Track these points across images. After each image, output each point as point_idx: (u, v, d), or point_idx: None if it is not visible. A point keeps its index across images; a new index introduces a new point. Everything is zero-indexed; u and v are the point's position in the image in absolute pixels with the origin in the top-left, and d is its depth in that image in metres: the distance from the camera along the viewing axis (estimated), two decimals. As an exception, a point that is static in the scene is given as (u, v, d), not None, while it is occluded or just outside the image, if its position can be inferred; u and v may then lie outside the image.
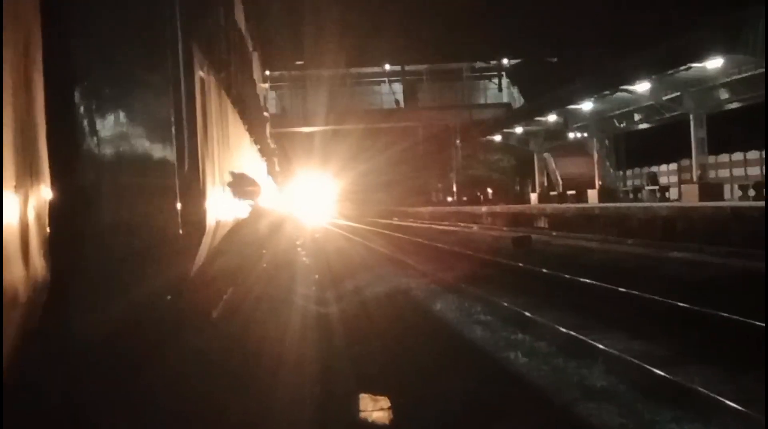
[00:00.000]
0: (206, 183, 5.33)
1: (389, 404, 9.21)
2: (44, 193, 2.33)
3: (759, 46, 35.08)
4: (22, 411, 2.39)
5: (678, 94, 45.49)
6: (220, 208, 6.35)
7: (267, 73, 48.50)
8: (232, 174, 8.12)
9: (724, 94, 44.62)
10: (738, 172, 52.06)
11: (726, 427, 8.22)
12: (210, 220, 5.34)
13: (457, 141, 76.10)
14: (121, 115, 3.64)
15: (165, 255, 4.19)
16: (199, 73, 5.23)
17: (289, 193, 53.26)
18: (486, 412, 9.05)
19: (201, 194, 5.04)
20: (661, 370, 10.10)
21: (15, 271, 2.02)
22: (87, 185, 2.79)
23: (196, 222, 4.78)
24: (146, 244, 3.78)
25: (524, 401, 9.67)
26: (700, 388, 9.25)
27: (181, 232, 4.39)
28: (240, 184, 9.63)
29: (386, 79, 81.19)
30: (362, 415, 8.91)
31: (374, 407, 9.22)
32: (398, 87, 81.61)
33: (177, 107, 4.54)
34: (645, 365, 10.49)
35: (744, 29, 35.67)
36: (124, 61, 3.79)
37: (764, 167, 36.50)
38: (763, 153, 48.72)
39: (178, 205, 4.43)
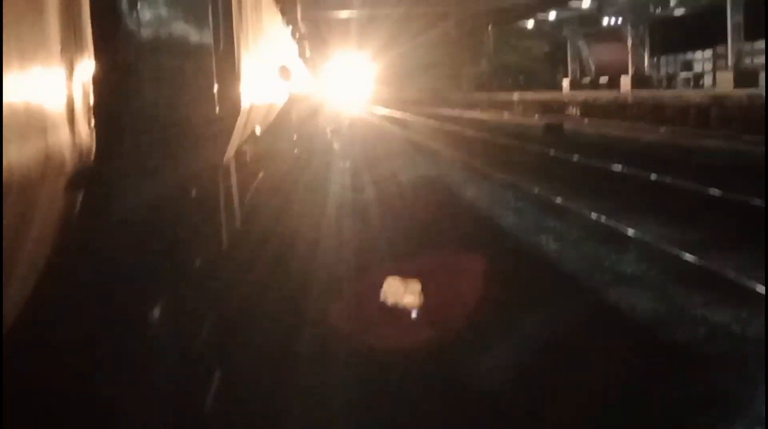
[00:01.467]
0: (241, 65, 5.34)
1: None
2: (88, 66, 2.35)
3: None
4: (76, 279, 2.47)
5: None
6: (255, 91, 6.38)
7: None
8: (266, 57, 8.10)
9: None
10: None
11: (755, 309, 8.32)
12: (245, 103, 5.37)
13: (489, 26, 75.33)
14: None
15: (202, 135, 4.23)
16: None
17: (324, 77, 53.04)
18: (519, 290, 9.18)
19: (236, 76, 5.05)
20: (693, 255, 10.26)
21: (62, 137, 2.05)
22: (128, 64, 2.81)
23: (231, 103, 4.80)
24: (184, 124, 3.81)
25: (555, 286, 9.79)
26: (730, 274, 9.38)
27: (217, 112, 4.42)
28: (274, 68, 9.61)
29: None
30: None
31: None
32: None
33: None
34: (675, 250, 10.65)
35: None
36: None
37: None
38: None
39: (215, 87, 4.45)
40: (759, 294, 8.75)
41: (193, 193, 4.35)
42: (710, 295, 8.84)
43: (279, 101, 10.35)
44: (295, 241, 10.27)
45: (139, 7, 3.12)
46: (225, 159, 5.07)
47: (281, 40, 11.34)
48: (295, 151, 14.75)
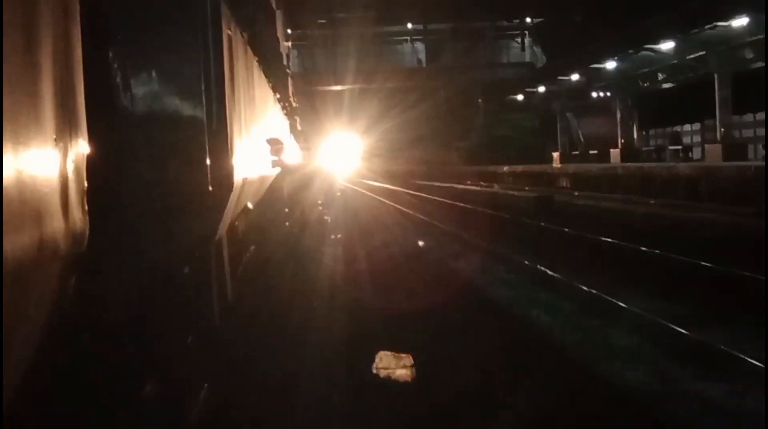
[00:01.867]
0: (233, 140, 5.36)
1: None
2: (82, 148, 2.35)
3: None
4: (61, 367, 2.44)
5: (703, 53, 45.45)
6: (247, 166, 6.39)
7: (289, 31, 48.49)
8: (258, 131, 8.15)
9: (749, 54, 44.44)
10: (762, 131, 51.53)
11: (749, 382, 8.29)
12: (237, 177, 5.38)
13: (479, 100, 76.08)
14: (153, 72, 3.67)
15: (194, 211, 4.23)
16: (227, 31, 5.25)
17: (317, 150, 53.23)
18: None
19: (228, 151, 5.07)
20: (684, 329, 10.23)
21: (56, 224, 2.05)
22: (122, 141, 2.82)
23: (224, 178, 4.81)
24: (177, 199, 3.81)
25: (548, 359, 9.76)
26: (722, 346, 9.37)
27: (210, 188, 4.42)
28: (265, 142, 9.66)
29: (408, 38, 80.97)
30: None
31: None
32: (421, 46, 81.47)
33: (206, 65, 4.56)
34: (666, 323, 10.69)
35: None
36: (156, 18, 3.81)
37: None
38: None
39: (207, 161, 4.46)
40: (753, 367, 8.73)
41: (186, 269, 4.34)
42: (701, 369, 8.84)
43: (271, 174, 10.38)
44: (288, 316, 10.23)
45: (132, 84, 3.15)
46: (218, 235, 5.07)
47: (273, 114, 11.42)
48: (287, 223, 14.74)
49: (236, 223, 6.93)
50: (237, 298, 6.31)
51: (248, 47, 7.00)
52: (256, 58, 8.12)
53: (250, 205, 7.42)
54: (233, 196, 5.24)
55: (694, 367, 9.00)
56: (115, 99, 2.78)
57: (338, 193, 42.54)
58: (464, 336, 10.73)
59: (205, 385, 4.37)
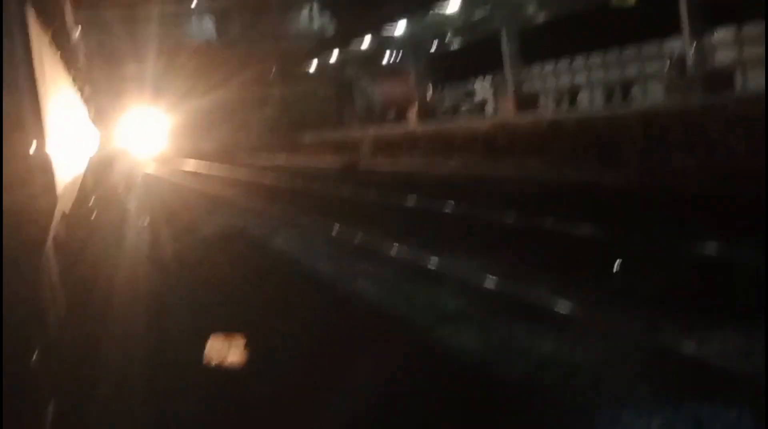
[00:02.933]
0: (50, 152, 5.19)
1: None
2: None
3: None
4: None
5: (489, 9, 46.78)
6: (65, 167, 6.21)
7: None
8: (69, 129, 7.89)
9: (532, 9, 46.18)
10: (550, 82, 53.36)
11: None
12: (59, 181, 5.22)
13: (272, 71, 75.80)
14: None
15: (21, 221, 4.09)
16: (35, 34, 5.07)
17: (120, 131, 52.19)
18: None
19: (48, 161, 4.91)
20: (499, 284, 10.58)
21: None
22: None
23: (48, 184, 4.66)
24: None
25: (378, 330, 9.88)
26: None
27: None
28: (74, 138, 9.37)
29: (195, 13, 79.59)
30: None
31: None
32: (209, 23, 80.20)
33: (23, 67, 4.39)
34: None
35: None
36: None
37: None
38: (572, 62, 50.64)
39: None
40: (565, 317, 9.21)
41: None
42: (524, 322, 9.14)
43: (80, 171, 10.11)
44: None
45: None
46: (47, 244, 4.88)
47: (75, 105, 11.08)
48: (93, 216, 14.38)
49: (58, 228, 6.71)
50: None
51: (52, 44, 6.77)
52: (59, 53, 7.85)
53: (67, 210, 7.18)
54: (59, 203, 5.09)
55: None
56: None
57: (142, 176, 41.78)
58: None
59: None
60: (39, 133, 4.58)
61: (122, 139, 50.26)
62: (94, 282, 10.03)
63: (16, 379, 3.57)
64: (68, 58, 9.88)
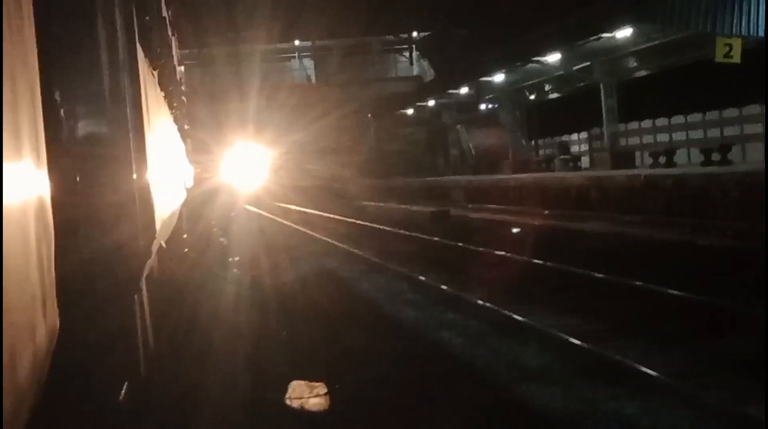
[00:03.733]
0: (154, 184, 5.32)
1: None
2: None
3: (666, 15, 36.31)
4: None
5: (588, 63, 46.71)
6: (164, 202, 6.33)
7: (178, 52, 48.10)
8: (169, 166, 8.06)
9: (632, 63, 45.82)
10: (647, 139, 53.13)
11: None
12: (158, 216, 5.32)
13: (369, 115, 76.34)
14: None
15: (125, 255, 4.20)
16: (143, 74, 5.21)
17: (223, 165, 52.82)
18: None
19: (151, 194, 5.03)
20: (580, 340, 10.48)
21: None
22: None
23: (148, 218, 4.75)
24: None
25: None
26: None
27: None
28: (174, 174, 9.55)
29: (296, 54, 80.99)
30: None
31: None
32: (309, 63, 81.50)
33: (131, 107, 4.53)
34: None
35: None
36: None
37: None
38: (671, 120, 50.21)
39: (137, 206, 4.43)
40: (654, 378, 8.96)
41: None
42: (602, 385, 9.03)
43: (178, 207, 10.28)
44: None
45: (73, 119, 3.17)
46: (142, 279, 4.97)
47: (176, 141, 11.33)
48: (186, 250, 14.53)
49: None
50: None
51: (157, 85, 6.97)
52: (163, 93, 8.07)
53: (163, 244, 7.30)
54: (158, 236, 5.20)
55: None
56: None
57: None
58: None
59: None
60: (142, 167, 4.69)
61: (224, 173, 50.83)
62: (187, 320, 10.18)
63: (104, 416, 3.65)
64: (171, 95, 10.15)
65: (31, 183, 2.39)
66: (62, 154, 2.95)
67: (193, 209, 17.22)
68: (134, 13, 5.23)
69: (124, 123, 4.35)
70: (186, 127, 21.10)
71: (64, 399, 3.11)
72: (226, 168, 48.16)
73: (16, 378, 2.15)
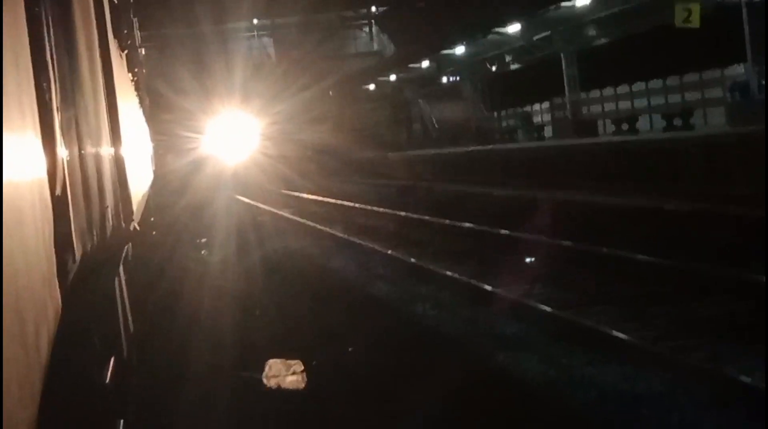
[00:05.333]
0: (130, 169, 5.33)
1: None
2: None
3: None
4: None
5: (548, 33, 46.98)
6: (138, 183, 6.38)
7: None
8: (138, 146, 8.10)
9: (592, 31, 46.11)
10: (609, 106, 53.53)
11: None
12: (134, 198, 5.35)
13: (330, 92, 76.12)
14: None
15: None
16: (114, 55, 5.23)
17: (210, 133, 52.48)
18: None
19: (127, 179, 5.03)
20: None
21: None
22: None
23: (126, 200, 4.77)
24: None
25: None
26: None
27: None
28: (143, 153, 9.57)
29: (255, 33, 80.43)
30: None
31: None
32: (269, 41, 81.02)
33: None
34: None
35: None
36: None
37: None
38: (632, 87, 50.58)
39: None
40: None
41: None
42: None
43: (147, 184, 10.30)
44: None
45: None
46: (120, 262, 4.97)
47: (140, 119, 11.39)
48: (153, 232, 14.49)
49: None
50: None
51: (125, 68, 6.99)
52: (131, 76, 8.09)
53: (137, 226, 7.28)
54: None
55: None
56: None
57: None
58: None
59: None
60: (118, 147, 4.70)
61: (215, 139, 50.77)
62: (162, 301, 10.18)
63: (90, 397, 3.64)
64: (137, 78, 10.16)
65: (30, 162, 2.41)
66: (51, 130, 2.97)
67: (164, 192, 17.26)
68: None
69: (100, 102, 4.36)
70: (147, 104, 21.23)
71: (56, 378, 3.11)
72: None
73: (36, 357, 2.18)
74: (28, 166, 2.36)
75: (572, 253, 15.45)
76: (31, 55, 2.57)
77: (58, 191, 2.78)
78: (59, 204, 2.80)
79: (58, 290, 2.58)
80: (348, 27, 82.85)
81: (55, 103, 2.87)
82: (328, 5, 75.85)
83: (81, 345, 3.52)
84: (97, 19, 4.63)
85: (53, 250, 2.58)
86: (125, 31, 7.61)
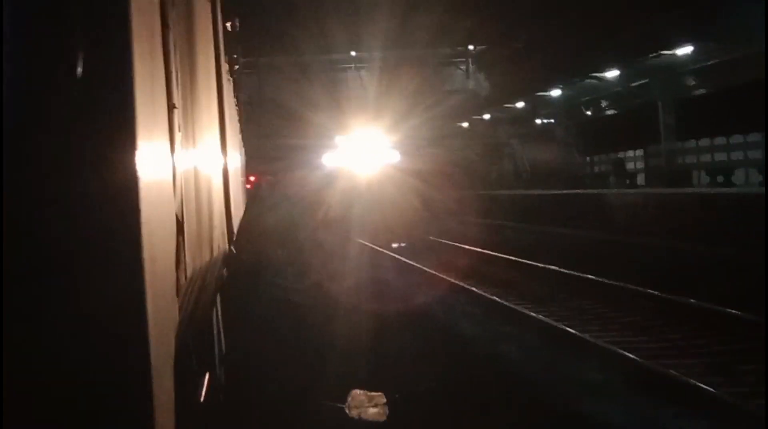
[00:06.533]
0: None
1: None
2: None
3: (728, 32, 36.27)
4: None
5: (646, 80, 46.75)
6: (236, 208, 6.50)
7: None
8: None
9: (691, 81, 45.62)
10: (705, 158, 52.73)
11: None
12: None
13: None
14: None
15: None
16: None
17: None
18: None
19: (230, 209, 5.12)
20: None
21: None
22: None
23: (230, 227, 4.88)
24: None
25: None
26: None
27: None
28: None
29: (353, 65, 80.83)
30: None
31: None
32: (365, 74, 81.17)
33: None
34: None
35: (717, 15, 36.71)
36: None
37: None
38: (731, 139, 49.82)
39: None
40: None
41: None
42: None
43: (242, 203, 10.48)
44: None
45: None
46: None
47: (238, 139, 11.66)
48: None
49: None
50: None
51: (232, 92, 7.19)
52: (235, 100, 8.30)
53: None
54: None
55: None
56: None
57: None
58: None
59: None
60: (224, 166, 4.82)
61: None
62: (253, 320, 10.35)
63: (186, 413, 3.74)
64: (239, 102, 10.45)
65: (163, 180, 2.54)
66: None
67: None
68: (219, 21, 5.41)
69: (215, 127, 4.50)
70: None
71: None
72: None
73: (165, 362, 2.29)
74: (161, 183, 2.48)
75: (659, 303, 15.30)
76: (166, 81, 2.72)
77: (178, 209, 2.90)
78: (178, 222, 2.93)
79: (177, 305, 2.70)
80: (445, 64, 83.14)
81: (177, 124, 3.00)
82: (427, 42, 76.05)
83: (184, 361, 3.65)
84: (214, 45, 4.78)
85: (174, 265, 2.69)
86: (234, 56, 7.84)
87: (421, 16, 62.55)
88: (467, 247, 28.16)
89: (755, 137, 47.41)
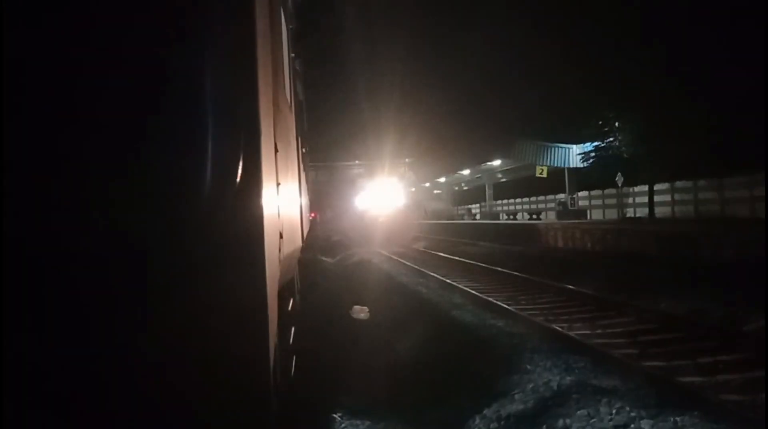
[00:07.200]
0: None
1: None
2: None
3: (516, 154, 48.72)
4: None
5: (479, 175, 63.85)
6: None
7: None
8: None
9: (499, 175, 62.53)
10: (505, 208, 69.36)
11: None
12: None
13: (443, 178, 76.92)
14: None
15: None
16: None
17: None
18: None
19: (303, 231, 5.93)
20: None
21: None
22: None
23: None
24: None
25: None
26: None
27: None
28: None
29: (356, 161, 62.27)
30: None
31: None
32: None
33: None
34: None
35: (512, 146, 49.19)
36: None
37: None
38: (516, 200, 63.53)
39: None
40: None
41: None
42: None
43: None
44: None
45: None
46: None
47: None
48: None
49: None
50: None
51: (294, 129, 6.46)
52: (300, 139, 8.37)
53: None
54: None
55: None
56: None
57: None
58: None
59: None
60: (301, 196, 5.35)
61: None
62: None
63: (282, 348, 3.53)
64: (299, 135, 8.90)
65: (273, 208, 2.96)
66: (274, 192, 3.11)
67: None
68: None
69: (296, 173, 5.36)
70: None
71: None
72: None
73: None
74: (272, 208, 2.89)
75: (483, 269, 18.03)
76: (274, 132, 3.08)
77: (281, 227, 3.32)
78: (280, 233, 3.34)
79: (279, 275, 3.08)
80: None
81: (277, 166, 3.39)
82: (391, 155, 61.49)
83: (282, 309, 4.05)
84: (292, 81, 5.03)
85: (278, 256, 3.21)
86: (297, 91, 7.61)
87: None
88: (421, 249, 31.60)
89: (521, 200, 62.14)
